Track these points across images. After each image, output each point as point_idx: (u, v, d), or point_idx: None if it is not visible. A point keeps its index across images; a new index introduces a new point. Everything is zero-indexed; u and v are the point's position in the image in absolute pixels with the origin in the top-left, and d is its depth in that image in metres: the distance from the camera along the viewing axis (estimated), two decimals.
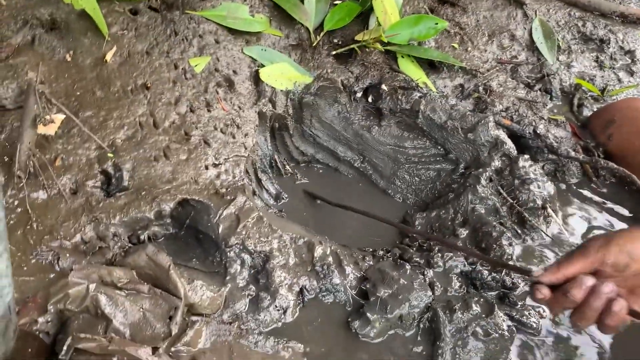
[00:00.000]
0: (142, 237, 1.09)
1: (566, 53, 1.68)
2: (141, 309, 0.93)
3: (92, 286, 0.91)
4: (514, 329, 1.02)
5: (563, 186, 1.40)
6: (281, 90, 1.40)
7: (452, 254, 1.15)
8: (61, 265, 0.99)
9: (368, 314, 1.02)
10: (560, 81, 1.61)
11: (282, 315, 1.02)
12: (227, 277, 1.03)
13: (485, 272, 1.12)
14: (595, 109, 1.57)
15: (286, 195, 1.39)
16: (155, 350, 0.88)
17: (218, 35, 1.39)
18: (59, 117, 1.14)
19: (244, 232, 1.08)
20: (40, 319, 0.88)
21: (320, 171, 1.50)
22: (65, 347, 0.86)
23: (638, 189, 1.32)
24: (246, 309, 1.02)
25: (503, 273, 1.12)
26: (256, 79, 1.39)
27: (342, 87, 1.44)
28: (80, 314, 0.91)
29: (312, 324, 1.04)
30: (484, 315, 1.00)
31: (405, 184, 1.42)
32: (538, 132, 1.40)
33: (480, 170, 1.28)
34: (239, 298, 1.02)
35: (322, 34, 1.49)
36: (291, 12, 1.47)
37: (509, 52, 1.64)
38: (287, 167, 1.46)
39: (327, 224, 1.34)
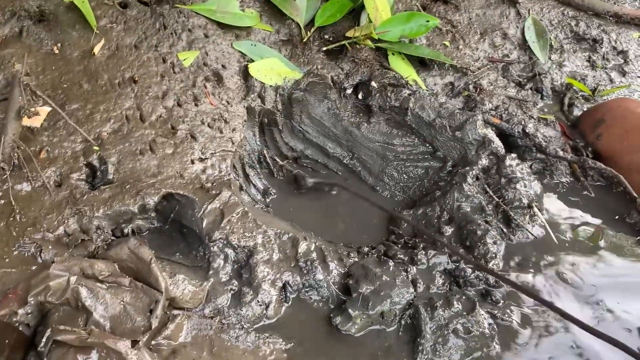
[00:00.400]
0: (125, 231, 1.09)
1: (558, 52, 1.68)
2: (122, 302, 0.93)
3: (73, 279, 0.92)
4: (495, 327, 1.02)
5: (550, 186, 1.40)
6: (270, 86, 1.40)
7: (436, 250, 1.15)
8: (44, 257, 0.99)
9: (350, 310, 1.02)
10: (551, 80, 1.61)
11: (265, 310, 1.02)
12: (210, 272, 1.03)
13: (469, 270, 1.12)
14: (585, 109, 1.56)
15: (274, 191, 1.39)
16: (134, 343, 0.88)
17: (207, 30, 1.38)
18: (45, 110, 1.14)
19: (228, 227, 1.08)
20: (20, 311, 0.88)
21: (310, 167, 1.50)
22: (44, 339, 0.86)
23: (625, 189, 1.32)
24: (228, 303, 1.02)
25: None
26: (245, 74, 1.39)
27: (332, 84, 1.44)
28: (61, 306, 0.91)
29: (294, 319, 1.04)
30: (465, 313, 1.01)
31: (393, 181, 1.42)
32: (527, 131, 1.40)
33: (467, 168, 1.28)
34: (221, 292, 1.02)
35: (312, 29, 1.48)
36: (282, 7, 1.46)
37: (501, 51, 1.63)
38: (278, 161, 1.45)
39: (315, 220, 1.34)
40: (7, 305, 0.87)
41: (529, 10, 1.71)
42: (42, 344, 0.86)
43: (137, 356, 0.88)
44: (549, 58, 1.65)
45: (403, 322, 1.04)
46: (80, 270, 0.94)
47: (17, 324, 0.89)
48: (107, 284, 0.95)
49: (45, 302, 0.91)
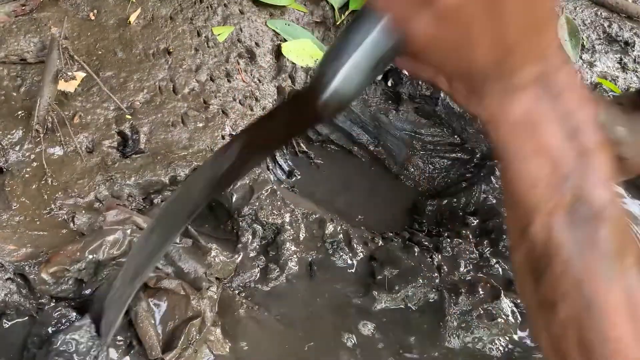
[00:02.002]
0: (155, 201, 1.09)
1: (590, 52, 1.67)
2: (180, 253, 0.91)
3: (128, 231, 0.90)
4: (518, 315, 1.03)
5: None
6: (301, 67, 1.39)
7: (461, 240, 1.15)
8: (76, 222, 0.99)
9: (374, 292, 1.03)
10: (581, 79, 1.60)
11: (290, 287, 1.03)
12: (239, 245, 1.03)
13: (493, 260, 1.13)
14: None
15: (299, 173, 1.39)
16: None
17: (243, 6, 1.38)
18: (80, 75, 1.14)
19: (257, 204, 1.08)
20: (73, 267, 0.86)
21: (333, 152, 1.50)
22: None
23: None
24: (256, 278, 1.02)
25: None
26: (277, 54, 1.38)
27: None
28: (121, 257, 0.89)
29: (318, 299, 1.05)
30: (489, 300, 1.01)
31: (418, 170, 1.42)
32: None
33: (496, 161, 1.28)
34: (249, 267, 1.02)
35: (347, 13, 1.47)
36: None
37: None
38: (302, 145, 1.45)
39: (338, 204, 1.34)
40: (58, 263, 0.87)
41: (562, 8, 1.69)
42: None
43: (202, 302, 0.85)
44: (580, 57, 1.64)
45: (426, 307, 1.04)
46: (132, 223, 0.93)
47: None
48: None
49: (102, 259, 0.89)
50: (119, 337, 0.79)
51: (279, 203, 1.11)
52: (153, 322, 0.79)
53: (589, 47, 1.67)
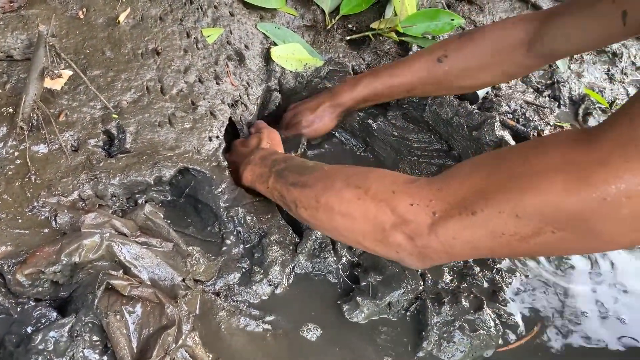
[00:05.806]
0: (139, 202, 1.09)
1: (578, 62, 1.69)
2: (158, 258, 0.90)
3: (106, 235, 0.89)
4: (500, 326, 1.03)
5: None
6: (290, 71, 1.39)
7: None
8: (58, 221, 0.98)
9: (358, 298, 1.02)
10: (569, 89, 1.62)
11: (273, 291, 1.03)
12: (224, 248, 1.03)
13: (477, 269, 1.13)
14: (601, 121, 1.57)
15: None
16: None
17: (233, 8, 1.38)
18: (67, 73, 1.13)
19: (244, 207, 1.08)
20: (48, 270, 0.85)
21: (322, 157, 1.50)
22: (97, 282, 0.83)
23: None
24: (238, 281, 1.02)
25: (494, 271, 1.14)
26: (267, 57, 1.38)
27: (352, 73, 1.44)
28: (98, 261, 0.88)
29: (300, 303, 1.05)
30: (472, 311, 1.01)
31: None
32: (543, 136, 1.40)
33: None
34: (232, 270, 1.02)
35: (337, 17, 1.48)
36: None
37: None
38: (292, 151, 1.45)
39: None
40: (33, 264, 0.86)
41: None
42: (96, 286, 0.83)
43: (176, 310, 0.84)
44: (569, 67, 1.66)
45: (409, 315, 1.04)
46: (111, 227, 0.92)
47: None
48: (140, 243, 0.93)
49: (79, 262, 0.87)
50: (94, 338, 0.78)
51: (265, 207, 1.11)
52: (125, 331, 0.78)
53: (577, 57, 1.69)
